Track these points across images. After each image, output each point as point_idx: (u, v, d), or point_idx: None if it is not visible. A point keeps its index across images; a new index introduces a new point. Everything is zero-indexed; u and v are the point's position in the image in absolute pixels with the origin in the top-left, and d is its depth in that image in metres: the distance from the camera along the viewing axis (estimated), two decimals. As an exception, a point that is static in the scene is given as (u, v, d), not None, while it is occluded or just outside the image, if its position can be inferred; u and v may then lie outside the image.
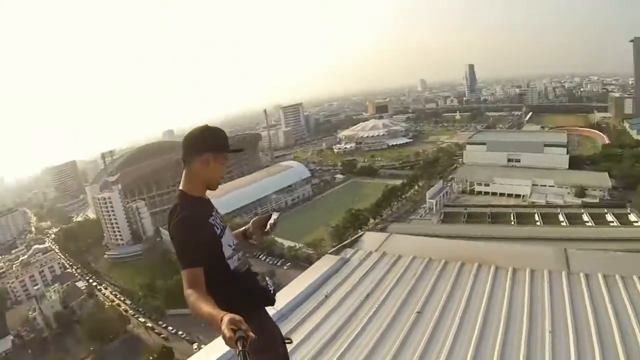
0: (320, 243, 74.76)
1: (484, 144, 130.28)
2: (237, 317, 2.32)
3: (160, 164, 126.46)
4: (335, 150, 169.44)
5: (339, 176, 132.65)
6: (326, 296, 6.74)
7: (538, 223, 75.74)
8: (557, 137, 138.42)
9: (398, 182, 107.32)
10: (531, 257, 7.61)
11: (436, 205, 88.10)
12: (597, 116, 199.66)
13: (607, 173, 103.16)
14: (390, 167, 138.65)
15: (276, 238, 77.86)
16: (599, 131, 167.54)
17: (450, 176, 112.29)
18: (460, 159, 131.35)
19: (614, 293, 6.31)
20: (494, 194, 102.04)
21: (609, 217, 77.60)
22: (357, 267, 7.49)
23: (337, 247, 8.72)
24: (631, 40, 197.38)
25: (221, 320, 2.31)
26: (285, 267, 75.68)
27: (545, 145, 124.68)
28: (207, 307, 2.52)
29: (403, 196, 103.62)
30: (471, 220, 77.43)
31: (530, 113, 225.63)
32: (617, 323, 5.55)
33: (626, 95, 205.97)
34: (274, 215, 3.65)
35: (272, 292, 3.37)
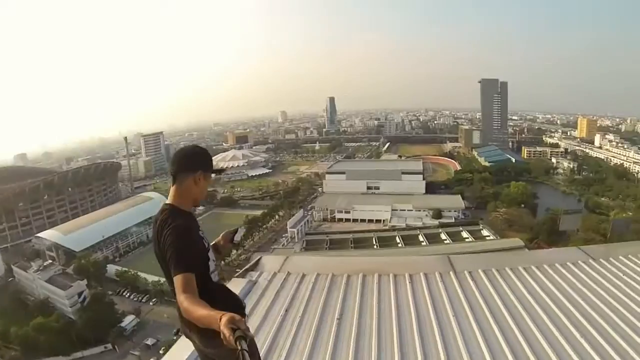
0: None
1: (343, 173, 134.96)
2: (237, 316, 2.42)
3: (12, 192, 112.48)
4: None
5: (200, 208, 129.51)
6: (247, 316, 7.12)
7: (400, 245, 78.96)
8: (414, 165, 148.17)
9: (259, 212, 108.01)
10: (422, 264, 8.61)
11: (298, 233, 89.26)
12: (449, 146, 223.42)
13: (460, 195, 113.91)
14: (251, 198, 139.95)
15: (139, 273, 74.58)
16: (451, 159, 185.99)
17: (311, 205, 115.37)
18: (320, 188, 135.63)
19: (494, 281, 7.67)
20: (355, 220, 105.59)
21: (465, 234, 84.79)
22: (267, 288, 7.78)
23: (241, 271, 9.09)
24: (479, 81, 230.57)
25: (220, 320, 2.39)
26: (151, 304, 71.92)
27: (403, 173, 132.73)
28: (203, 310, 2.61)
29: (264, 226, 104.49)
30: (334, 246, 78.79)
31: (388, 143, 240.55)
32: (501, 301, 6.87)
33: (474, 128, 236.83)
34: (241, 230, 3.98)
35: (244, 304, 3.65)
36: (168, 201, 3.33)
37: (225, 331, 2.30)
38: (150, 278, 73.94)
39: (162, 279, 71.78)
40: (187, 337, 3.53)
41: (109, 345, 61.26)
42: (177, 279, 2.87)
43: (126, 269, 79.91)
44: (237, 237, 3.95)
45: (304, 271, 8.20)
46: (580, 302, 6.95)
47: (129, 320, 65.21)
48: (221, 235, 3.98)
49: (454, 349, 5.61)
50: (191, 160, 3.35)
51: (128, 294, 75.47)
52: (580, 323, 6.27)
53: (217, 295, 3.12)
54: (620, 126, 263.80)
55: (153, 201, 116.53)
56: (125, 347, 62.17)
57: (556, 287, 7.48)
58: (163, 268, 3.22)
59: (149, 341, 62.03)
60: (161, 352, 56.13)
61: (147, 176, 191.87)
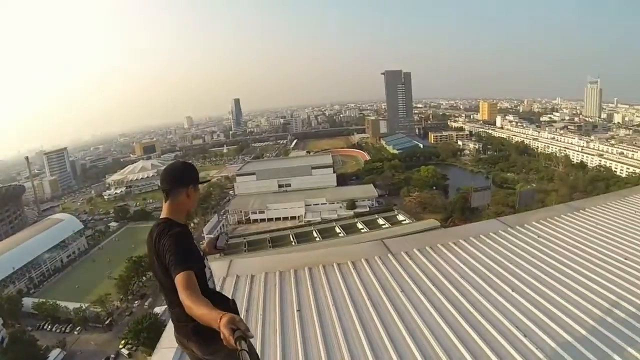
0: (107, 298, 69.77)
1: (253, 173, 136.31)
2: (237, 317, 2.48)
3: None
4: (105, 197, 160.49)
5: (113, 224, 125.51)
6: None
7: (317, 239, 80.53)
8: (323, 159, 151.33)
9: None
10: (361, 251, 9.18)
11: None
12: (356, 137, 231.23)
13: (372, 184, 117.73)
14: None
15: (59, 302, 69.90)
16: (360, 150, 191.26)
17: (224, 209, 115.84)
18: (232, 191, 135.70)
19: (430, 258, 8.53)
20: (270, 219, 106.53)
21: (381, 221, 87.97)
22: (221, 293, 8.16)
23: None
24: (382, 73, 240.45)
25: (220, 320, 2.45)
26: (76, 332, 67.89)
27: (313, 168, 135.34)
28: (205, 308, 2.70)
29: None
30: (252, 247, 79.02)
31: (296, 140, 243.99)
32: (441, 275, 7.74)
33: (381, 118, 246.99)
34: (222, 236, 4.24)
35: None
36: (163, 216, 3.52)
37: (225, 331, 2.38)
38: (72, 305, 69.94)
39: (84, 305, 67.16)
40: (183, 347, 3.70)
41: (38, 387, 57.40)
42: (178, 278, 2.98)
43: (44, 300, 73.73)
44: (220, 243, 4.17)
45: (252, 272, 8.39)
46: (507, 264, 8.06)
47: (54, 355, 60.61)
48: (205, 242, 4.25)
49: (411, 323, 6.28)
50: (183, 176, 3.59)
51: (49, 327, 70.28)
52: (512, 282, 7.33)
53: (214, 300, 3.05)
54: (518, 107, 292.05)
55: (64, 223, 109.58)
56: (56, 384, 58.23)
57: (485, 255, 8.56)
58: (162, 279, 3.35)
59: None
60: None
61: (54, 197, 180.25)
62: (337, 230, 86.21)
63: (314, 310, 6.84)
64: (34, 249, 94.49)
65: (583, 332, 5.71)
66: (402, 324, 6.24)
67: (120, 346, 60.19)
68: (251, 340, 2.52)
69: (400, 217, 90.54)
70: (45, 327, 70.77)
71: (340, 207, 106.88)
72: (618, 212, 10.81)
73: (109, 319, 69.54)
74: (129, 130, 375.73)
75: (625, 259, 7.96)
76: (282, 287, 7.81)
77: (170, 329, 6.35)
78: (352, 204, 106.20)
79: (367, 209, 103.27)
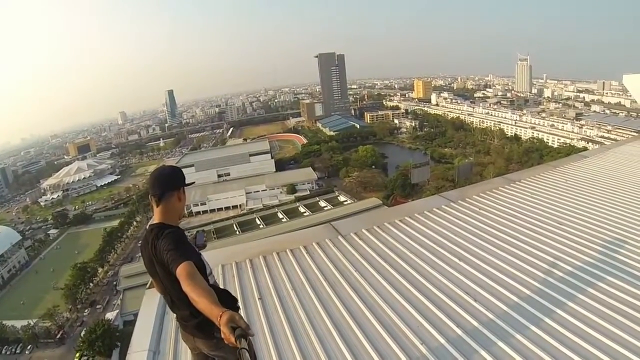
0: (55, 310, 67.30)
1: (192, 165, 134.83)
2: (237, 315, 2.49)
3: None
4: (42, 203, 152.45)
5: (53, 231, 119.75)
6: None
7: (261, 226, 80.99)
8: (260, 145, 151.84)
9: (116, 222, 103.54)
10: (312, 235, 9.37)
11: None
12: (292, 121, 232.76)
13: (310, 167, 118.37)
14: (104, 209, 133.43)
15: (4, 322, 65.86)
16: (297, 134, 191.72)
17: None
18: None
19: (378, 236, 8.88)
20: (212, 210, 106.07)
21: (322, 203, 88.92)
22: None
23: (151, 281, 9.06)
24: (316, 56, 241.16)
25: (220, 318, 2.47)
26: (27, 352, 64.43)
27: (251, 155, 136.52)
28: (207, 302, 2.69)
29: (124, 235, 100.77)
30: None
31: (232, 128, 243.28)
32: (391, 252, 8.10)
33: (315, 101, 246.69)
34: (200, 235, 4.12)
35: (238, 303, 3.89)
36: (156, 221, 3.54)
37: (225, 330, 2.42)
38: (19, 323, 66.09)
39: (32, 321, 64.21)
40: (191, 346, 3.81)
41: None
42: (180, 270, 2.97)
43: None
44: (199, 241, 4.05)
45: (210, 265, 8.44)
46: (453, 236, 8.57)
47: (8, 380, 56.87)
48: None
49: (369, 298, 6.59)
50: (173, 180, 3.64)
51: (-1, 350, 66.29)
52: (459, 253, 7.83)
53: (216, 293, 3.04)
54: (452, 84, 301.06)
55: (0, 236, 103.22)
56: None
57: (431, 229, 9.02)
58: (165, 282, 3.40)
59: None
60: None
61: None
62: (280, 215, 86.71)
63: (275, 297, 6.98)
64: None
65: (527, 292, 6.27)
66: (360, 300, 6.53)
67: (76, 359, 57.89)
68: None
69: (342, 198, 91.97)
70: (-8, 351, 67.04)
71: (281, 192, 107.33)
72: (550, 182, 11.77)
73: (60, 332, 66.68)
74: (61, 131, 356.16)
75: (560, 224, 8.70)
76: (240, 277, 7.86)
77: (138, 332, 6.50)
78: (292, 189, 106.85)
79: (308, 192, 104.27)
